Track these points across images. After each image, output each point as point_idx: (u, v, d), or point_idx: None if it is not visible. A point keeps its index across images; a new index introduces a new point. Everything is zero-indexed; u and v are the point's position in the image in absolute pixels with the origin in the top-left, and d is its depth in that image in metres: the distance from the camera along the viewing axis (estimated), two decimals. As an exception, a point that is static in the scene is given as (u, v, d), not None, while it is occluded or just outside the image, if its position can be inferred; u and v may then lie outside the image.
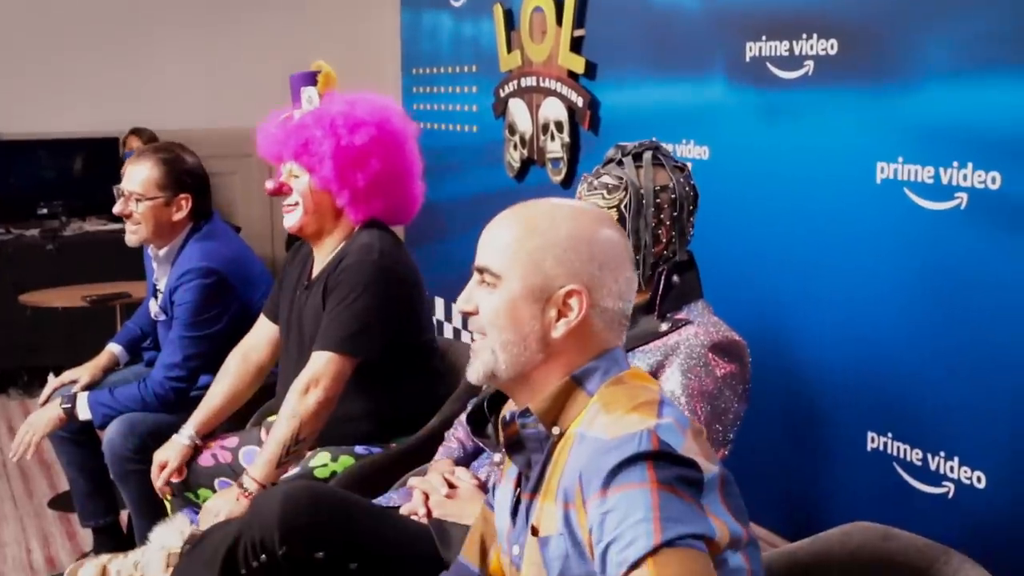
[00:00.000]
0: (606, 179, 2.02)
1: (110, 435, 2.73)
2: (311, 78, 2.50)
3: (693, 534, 1.23)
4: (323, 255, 2.53)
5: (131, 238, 2.91)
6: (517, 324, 1.42)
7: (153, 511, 2.65)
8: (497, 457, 1.95)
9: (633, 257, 1.48)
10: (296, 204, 2.46)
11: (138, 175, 2.87)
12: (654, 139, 2.14)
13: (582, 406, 1.40)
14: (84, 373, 3.03)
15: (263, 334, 2.70)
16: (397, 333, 2.45)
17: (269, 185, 2.50)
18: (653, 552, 1.20)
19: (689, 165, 2.11)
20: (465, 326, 5.07)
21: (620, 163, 2.03)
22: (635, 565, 1.21)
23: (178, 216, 2.89)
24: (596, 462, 1.29)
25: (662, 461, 1.26)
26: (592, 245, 1.42)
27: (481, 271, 1.46)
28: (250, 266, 3.00)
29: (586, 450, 1.33)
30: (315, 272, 2.54)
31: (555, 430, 1.41)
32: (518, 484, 1.49)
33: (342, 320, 2.37)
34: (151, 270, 3.08)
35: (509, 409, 1.48)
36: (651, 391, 1.40)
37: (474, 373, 1.46)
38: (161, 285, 2.97)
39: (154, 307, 3.01)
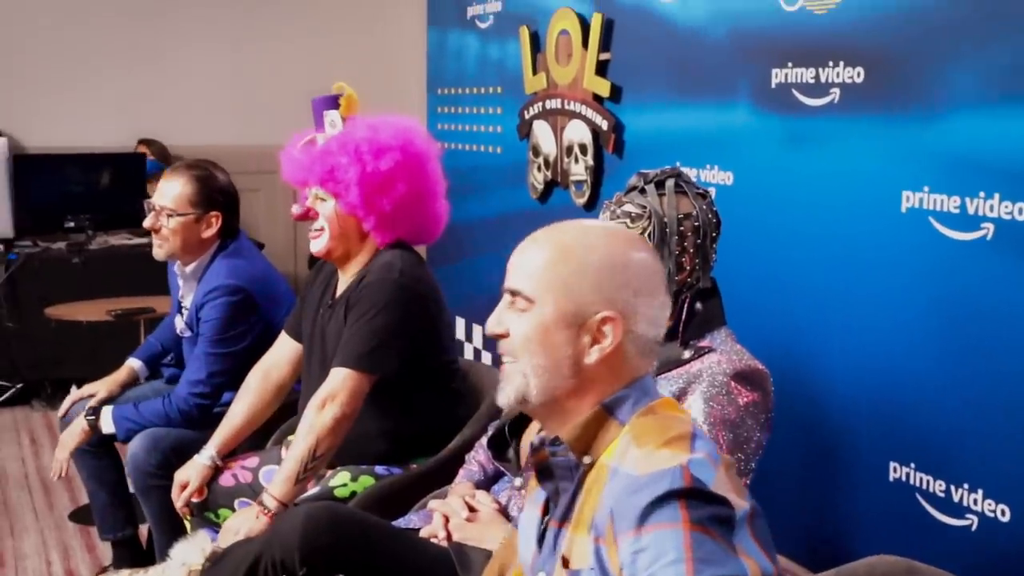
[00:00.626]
0: (629, 207, 2.02)
1: (133, 450, 2.75)
2: (333, 101, 2.51)
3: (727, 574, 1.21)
4: (348, 275, 2.54)
5: (158, 252, 2.94)
6: (550, 349, 1.40)
7: (174, 527, 2.66)
8: (518, 481, 1.95)
9: (666, 281, 1.46)
10: (322, 229, 2.47)
11: (171, 190, 2.90)
12: (677, 165, 2.14)
13: (613, 436, 1.38)
14: (102, 387, 3.05)
15: (284, 352, 2.71)
16: (416, 352, 2.45)
17: (295, 210, 2.52)
18: None
19: (712, 191, 2.11)
20: (487, 347, 5.07)
21: (643, 191, 2.04)
22: None
23: (207, 233, 2.92)
24: (628, 499, 1.27)
25: (695, 500, 1.24)
26: (627, 270, 1.40)
27: (513, 294, 1.43)
28: (275, 285, 3.02)
29: (618, 485, 1.31)
30: (339, 291, 2.55)
31: (586, 459, 1.39)
32: (545, 511, 1.47)
33: (360, 337, 2.37)
34: (176, 286, 3.10)
35: (538, 435, 1.46)
36: (683, 423, 1.38)
37: (504, 397, 1.44)
38: (187, 302, 2.99)
39: (180, 323, 3.03)
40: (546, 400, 1.42)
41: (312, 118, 2.57)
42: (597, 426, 1.39)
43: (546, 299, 1.40)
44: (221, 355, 2.85)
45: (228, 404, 2.75)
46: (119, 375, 3.11)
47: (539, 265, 1.42)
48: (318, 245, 2.49)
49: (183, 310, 3.03)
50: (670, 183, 2.03)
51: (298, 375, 2.70)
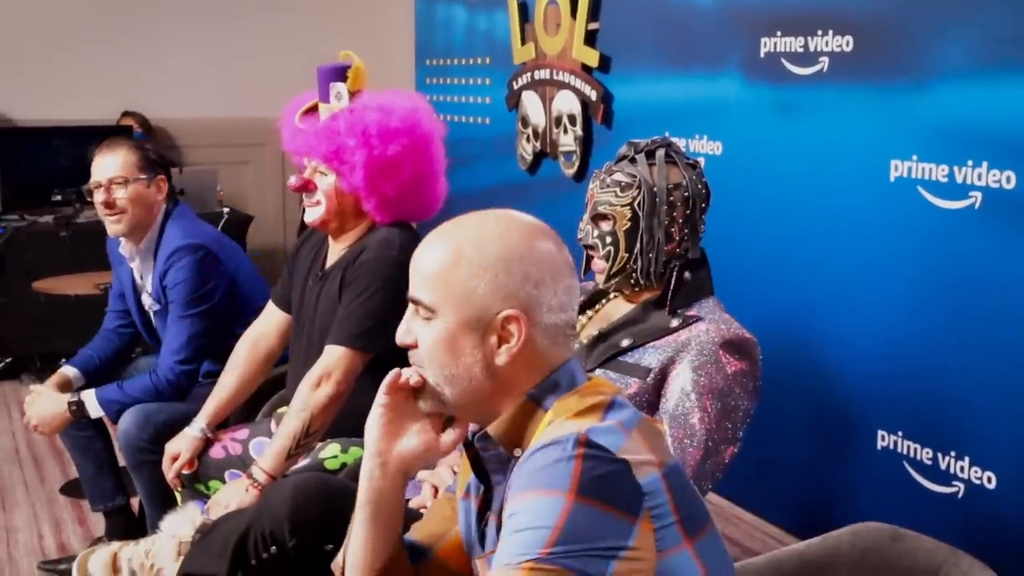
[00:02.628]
0: (619, 176, 2.02)
1: (125, 425, 2.74)
2: (341, 73, 2.45)
3: (586, 551, 1.19)
4: (340, 246, 2.52)
5: (116, 227, 2.90)
6: (458, 356, 1.36)
7: (165, 500, 2.66)
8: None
9: (570, 262, 1.39)
10: (319, 202, 2.45)
11: (116, 161, 2.90)
12: (667, 135, 2.14)
13: (538, 424, 1.35)
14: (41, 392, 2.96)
15: (272, 321, 2.70)
16: None
17: (293, 181, 2.49)
18: (533, 558, 1.18)
19: (701, 162, 2.10)
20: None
21: (633, 160, 2.03)
22: (508, 563, 1.19)
23: (159, 198, 2.93)
24: (523, 466, 1.26)
25: (587, 468, 1.21)
26: (524, 263, 1.35)
27: (415, 303, 1.39)
28: (230, 245, 3.04)
29: (522, 459, 1.29)
30: (329, 262, 2.54)
31: (516, 452, 1.36)
32: (483, 505, 1.44)
33: (357, 315, 2.37)
34: (126, 274, 3.07)
35: (470, 432, 1.43)
36: (602, 394, 1.35)
37: (425, 406, 1.41)
38: (147, 280, 2.98)
39: (147, 300, 3.01)
40: (465, 404, 1.39)
41: (307, 86, 2.53)
42: (525, 418, 1.36)
43: (446, 307, 1.36)
44: (196, 315, 2.85)
45: (209, 376, 2.74)
46: (52, 382, 3.01)
47: (435, 271, 1.37)
48: (313, 215, 2.47)
49: (139, 290, 3.02)
50: (660, 153, 2.03)
51: (286, 344, 2.69)
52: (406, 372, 1.42)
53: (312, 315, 2.52)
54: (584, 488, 1.20)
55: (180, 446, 2.54)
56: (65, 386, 2.98)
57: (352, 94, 2.44)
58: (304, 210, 2.50)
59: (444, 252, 1.37)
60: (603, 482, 1.22)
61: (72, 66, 5.92)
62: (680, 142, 3.54)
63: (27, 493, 3.74)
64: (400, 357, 2.46)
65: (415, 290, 1.39)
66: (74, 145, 5.55)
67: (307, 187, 2.46)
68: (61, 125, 5.66)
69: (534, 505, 1.21)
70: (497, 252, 1.35)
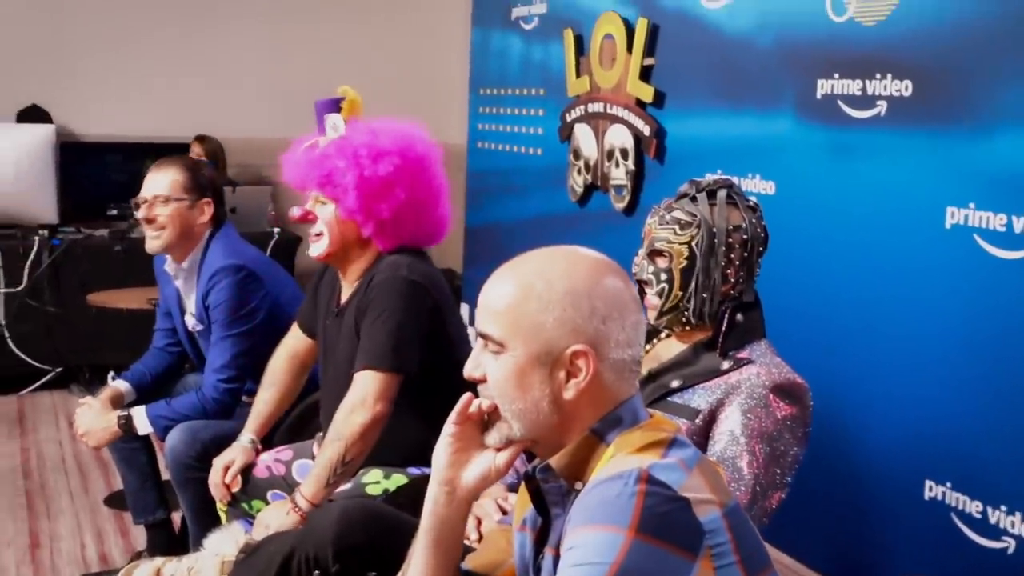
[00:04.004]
0: (679, 214, 2.01)
1: (172, 442, 2.77)
2: (335, 105, 2.49)
3: None
4: (350, 281, 2.53)
5: (153, 244, 2.94)
6: (527, 391, 1.37)
7: (209, 519, 2.67)
8: None
9: (637, 298, 1.41)
10: (321, 234, 2.46)
11: (163, 179, 2.93)
12: (720, 173, 2.13)
13: (600, 458, 1.35)
14: (94, 406, 2.98)
15: (299, 341, 2.73)
16: (431, 347, 2.44)
17: (295, 212, 2.52)
18: None
19: (760, 205, 2.09)
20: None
21: (694, 199, 2.02)
22: None
23: (201, 220, 2.95)
24: (584, 499, 1.26)
25: (648, 506, 1.21)
26: (592, 299, 1.36)
27: (484, 337, 1.40)
28: (271, 265, 3.08)
29: (583, 492, 1.30)
30: (343, 298, 2.54)
31: (578, 486, 1.36)
32: (539, 538, 1.44)
33: (379, 338, 2.36)
34: (169, 291, 3.10)
35: (530, 464, 1.44)
36: (664, 431, 1.36)
37: (491, 440, 1.42)
38: (190, 300, 3.01)
39: (190, 321, 3.04)
40: (532, 438, 1.40)
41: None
42: (587, 452, 1.36)
43: (515, 342, 1.36)
44: (238, 335, 2.87)
45: (253, 394, 2.77)
46: (103, 396, 3.03)
47: (503, 307, 1.38)
48: (317, 249, 2.48)
49: (184, 311, 3.05)
50: (722, 193, 2.02)
51: (316, 355, 2.71)
52: (476, 401, 1.43)
53: (335, 351, 2.53)
54: (644, 525, 1.20)
55: (233, 455, 2.56)
56: (116, 401, 3.01)
57: (347, 124, 2.47)
58: (310, 244, 2.52)
59: (513, 287, 1.39)
60: (664, 520, 1.22)
61: (133, 84, 6.04)
62: (733, 181, 3.54)
63: (71, 502, 3.78)
64: (428, 378, 2.47)
65: (483, 325, 1.40)
66: (132, 161, 5.65)
67: (307, 218, 2.47)
68: (120, 141, 5.76)
69: (593, 540, 1.21)
70: (565, 287, 1.36)
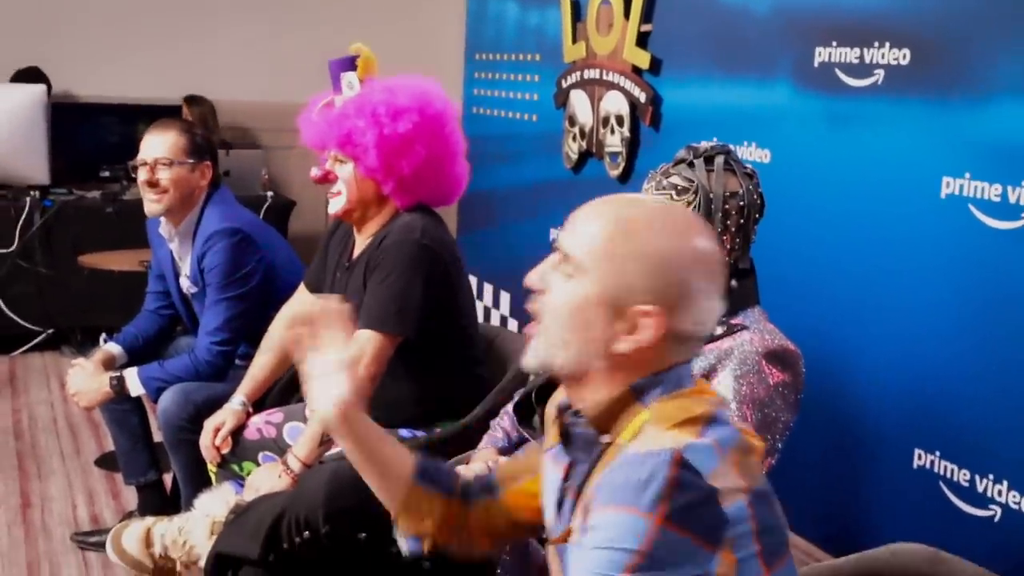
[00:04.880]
0: (676, 180, 1.99)
1: (164, 404, 2.77)
2: (350, 63, 2.47)
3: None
4: (364, 236, 2.53)
5: (153, 207, 2.91)
6: (582, 325, 1.33)
7: (200, 480, 2.67)
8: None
9: (721, 282, 1.37)
10: (340, 192, 2.46)
11: (164, 142, 2.90)
12: (715, 141, 2.11)
13: (635, 418, 1.32)
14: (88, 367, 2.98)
15: (303, 303, 2.72)
16: (436, 313, 2.44)
17: (314, 173, 2.51)
18: None
19: (756, 172, 2.07)
20: (514, 314, 5.07)
21: (691, 165, 2.01)
22: None
23: (201, 183, 2.94)
24: (612, 474, 1.24)
25: (677, 492, 1.19)
26: (683, 270, 1.31)
27: (565, 256, 1.36)
28: (266, 229, 3.06)
29: (617, 461, 1.27)
30: (356, 253, 2.54)
31: (604, 438, 1.34)
32: (566, 476, 1.43)
33: (383, 299, 2.37)
34: (165, 255, 3.09)
35: (563, 397, 1.43)
36: (706, 403, 1.32)
37: (529, 362, 1.39)
38: (185, 263, 3.00)
39: (185, 283, 3.03)
40: (571, 374, 1.37)
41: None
42: (621, 407, 1.33)
43: (594, 273, 1.32)
44: (232, 298, 2.86)
45: (249, 358, 2.76)
46: (95, 359, 3.02)
47: (598, 236, 1.34)
48: (336, 206, 2.48)
49: (179, 273, 3.04)
50: (719, 160, 2.00)
51: None
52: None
53: None
54: (673, 514, 1.18)
55: (224, 417, 2.57)
56: (108, 363, 3.01)
57: (363, 83, 2.45)
58: (328, 202, 2.51)
59: (616, 222, 1.34)
60: (691, 510, 1.20)
61: (128, 45, 6.00)
62: (728, 148, 3.53)
63: (63, 463, 3.78)
64: (426, 344, 2.47)
65: (569, 245, 1.36)
66: (124, 123, 5.62)
67: (327, 178, 2.47)
68: (114, 103, 5.72)
69: (618, 522, 1.20)
70: (665, 245, 1.32)
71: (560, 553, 1.35)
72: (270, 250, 2.98)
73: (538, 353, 1.38)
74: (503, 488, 1.61)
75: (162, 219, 2.98)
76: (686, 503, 1.19)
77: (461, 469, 2.11)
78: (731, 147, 2.06)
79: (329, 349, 1.56)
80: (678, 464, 1.20)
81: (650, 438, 1.26)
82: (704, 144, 2.05)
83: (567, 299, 1.34)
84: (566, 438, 1.41)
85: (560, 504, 1.43)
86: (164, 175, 2.88)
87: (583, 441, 1.38)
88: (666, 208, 1.39)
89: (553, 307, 1.36)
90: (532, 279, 1.39)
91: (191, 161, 2.91)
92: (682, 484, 1.19)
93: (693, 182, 1.98)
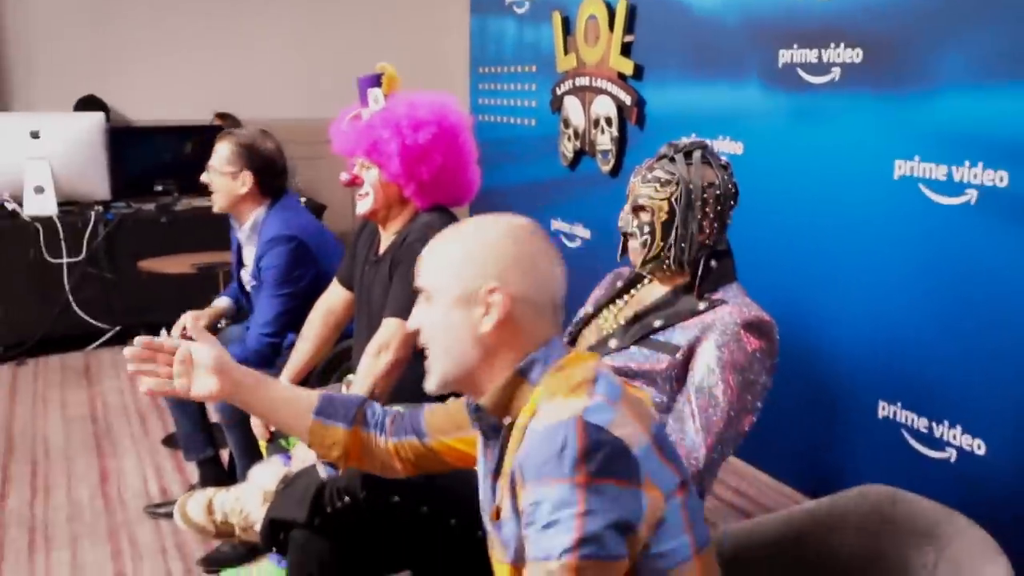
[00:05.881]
0: (659, 173, 2.00)
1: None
2: (376, 80, 2.49)
3: (614, 523, 1.20)
4: (389, 234, 2.54)
5: (214, 206, 3.00)
6: (451, 330, 1.39)
7: (252, 454, 2.70)
8: None
9: (555, 255, 1.43)
10: (367, 194, 2.47)
11: (217, 152, 2.97)
12: (694, 136, 2.11)
13: (528, 396, 1.36)
14: (204, 316, 3.10)
15: (338, 296, 2.74)
16: None
17: (344, 177, 2.51)
18: (569, 550, 1.18)
19: (731, 164, 2.07)
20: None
21: (672, 160, 2.01)
22: (548, 558, 1.19)
23: (242, 190, 2.94)
24: (530, 453, 1.25)
25: (590, 451, 1.21)
26: (504, 247, 1.40)
27: (420, 292, 1.45)
28: (323, 235, 3.06)
29: (526, 440, 1.29)
30: (382, 249, 2.55)
31: (505, 420, 1.38)
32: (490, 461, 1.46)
33: (407, 290, 2.38)
34: (236, 247, 3.13)
35: (468, 401, 1.47)
36: (587, 369, 1.35)
37: (430, 384, 1.44)
38: (248, 257, 3.02)
39: (245, 276, 3.06)
40: (461, 375, 1.41)
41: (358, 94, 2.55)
42: (512, 389, 1.37)
43: (441, 288, 1.41)
44: (283, 296, 2.88)
45: (291, 345, 2.78)
46: (212, 309, 3.15)
47: (434, 260, 1.44)
48: (364, 207, 2.49)
49: (244, 266, 3.07)
50: (697, 154, 2.00)
51: (351, 315, 2.72)
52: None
53: (368, 296, 2.54)
54: (592, 469, 1.20)
55: None
56: (218, 315, 3.12)
57: (387, 97, 2.46)
58: (356, 203, 2.52)
59: (445, 242, 1.45)
60: (608, 461, 1.22)
61: (174, 72, 6.03)
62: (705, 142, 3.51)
63: (133, 444, 3.80)
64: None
65: (420, 280, 1.45)
66: (173, 142, 5.62)
67: (355, 182, 2.48)
68: (161, 125, 5.73)
69: (553, 495, 1.21)
70: (482, 239, 1.41)
71: (496, 528, 1.38)
72: (324, 256, 2.97)
73: (433, 374, 1.43)
74: (431, 436, 1.66)
75: (231, 216, 3.03)
76: (602, 457, 1.21)
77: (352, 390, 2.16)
78: (708, 142, 2.06)
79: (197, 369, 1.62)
80: (583, 426, 1.22)
81: (550, 411, 1.28)
82: (683, 140, 2.05)
83: (432, 318, 1.42)
84: (482, 431, 1.45)
85: (492, 489, 1.45)
86: (213, 179, 2.96)
87: (491, 429, 1.42)
88: (476, 219, 1.47)
89: (427, 331, 1.43)
90: (412, 326, 1.46)
91: (231, 170, 2.93)
92: (592, 442, 1.22)
93: (674, 175, 1.98)
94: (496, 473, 1.40)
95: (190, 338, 1.66)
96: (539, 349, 1.38)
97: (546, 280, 1.40)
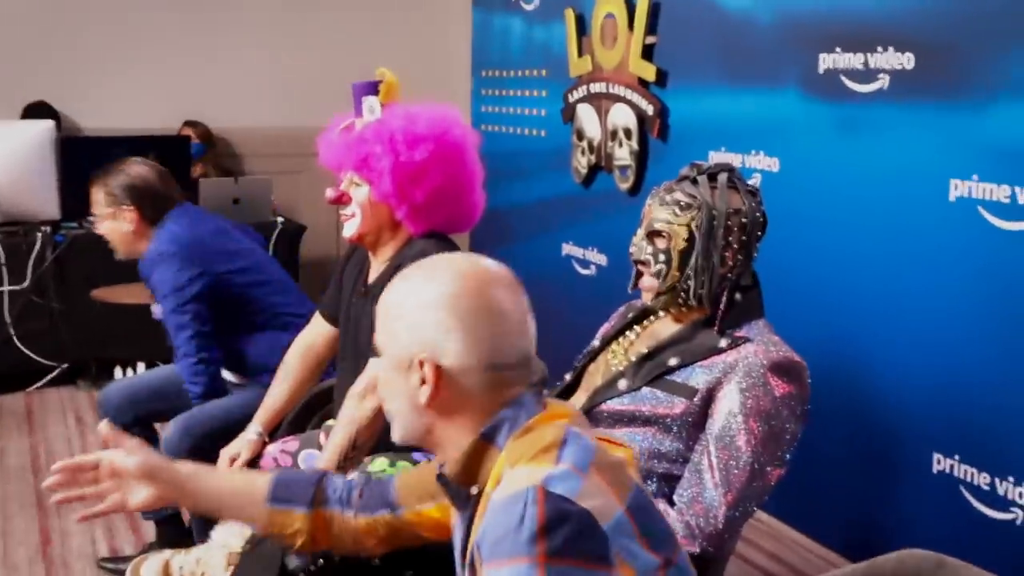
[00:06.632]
0: (679, 196, 2.05)
1: (167, 433, 2.87)
2: (373, 87, 2.52)
3: None
4: (379, 262, 2.57)
5: (117, 254, 3.25)
6: (394, 393, 1.44)
7: None
8: None
9: (514, 304, 1.42)
10: (354, 215, 2.51)
11: (93, 202, 3.19)
12: (723, 152, 2.15)
13: (495, 463, 1.37)
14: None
15: (320, 331, 2.78)
16: None
17: (330, 193, 2.56)
18: None
19: (757, 179, 2.12)
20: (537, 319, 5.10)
21: (694, 181, 2.06)
22: None
23: (128, 227, 3.15)
24: (486, 528, 1.27)
25: (552, 526, 1.21)
26: (446, 307, 1.39)
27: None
28: (217, 238, 3.21)
29: (487, 512, 1.30)
30: (371, 278, 2.59)
31: (472, 490, 1.40)
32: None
33: None
34: None
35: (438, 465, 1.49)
36: (556, 429, 1.35)
37: (394, 437, 1.49)
38: None
39: (156, 309, 3.27)
40: (417, 438, 1.46)
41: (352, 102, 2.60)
42: (478, 456, 1.39)
43: (384, 348, 1.45)
44: (180, 307, 3.03)
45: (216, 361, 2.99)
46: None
47: (380, 313, 1.47)
48: (350, 229, 2.53)
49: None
50: (723, 177, 2.05)
51: (334, 353, 2.76)
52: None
53: (355, 332, 2.57)
54: (553, 548, 1.21)
55: (239, 447, 2.63)
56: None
57: (384, 107, 2.50)
58: (342, 225, 2.56)
59: (388, 295, 1.47)
60: (572, 539, 1.22)
61: (134, 75, 6.09)
62: (736, 158, 3.58)
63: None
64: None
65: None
66: (135, 153, 5.60)
67: (342, 199, 2.51)
68: (120, 135, 5.80)
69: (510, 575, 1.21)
70: (420, 297, 1.42)
71: None
72: (216, 257, 3.13)
73: (394, 430, 1.48)
74: (404, 507, 1.69)
75: None
76: (566, 532, 1.22)
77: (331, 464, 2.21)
78: (735, 166, 2.11)
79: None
80: (544, 496, 1.23)
81: (510, 480, 1.30)
82: (708, 162, 2.10)
83: (381, 378, 1.48)
84: (451, 501, 1.48)
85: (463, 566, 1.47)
86: (101, 229, 3.18)
87: (460, 498, 1.44)
88: (429, 262, 1.47)
89: (380, 387, 1.50)
90: (370, 376, 1.58)
91: (110, 210, 3.14)
92: (554, 516, 1.22)
93: (696, 198, 2.03)
94: (464, 550, 1.41)
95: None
96: (505, 409, 1.39)
97: (504, 338, 1.40)
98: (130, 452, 1.70)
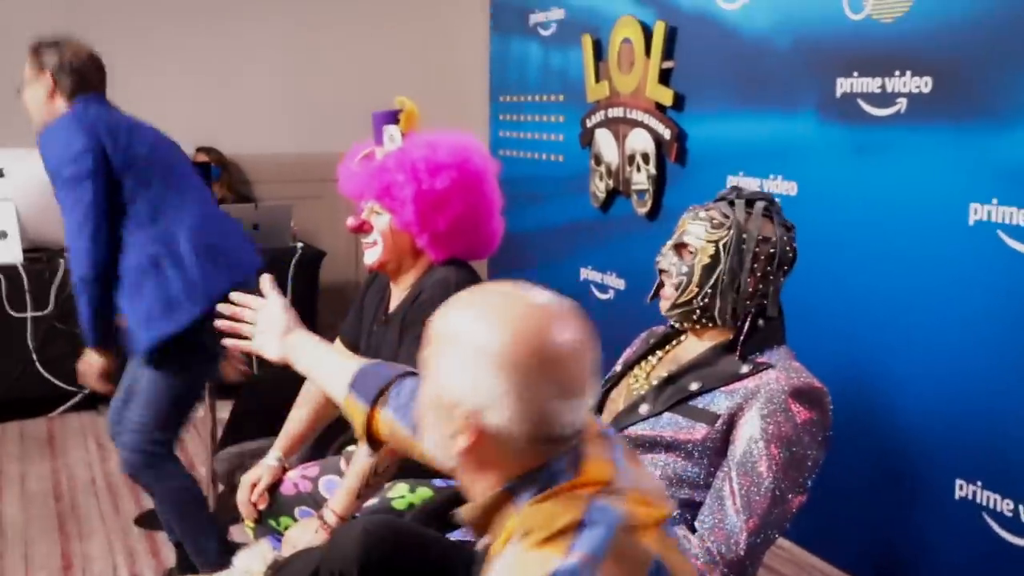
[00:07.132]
0: (714, 214, 2.07)
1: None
2: (393, 116, 2.55)
3: None
4: (400, 290, 2.59)
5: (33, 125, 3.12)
6: (430, 427, 1.35)
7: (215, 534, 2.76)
8: None
9: (572, 367, 1.28)
10: (375, 242, 2.53)
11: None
12: (741, 175, 2.16)
13: (509, 522, 1.29)
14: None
15: None
16: None
17: (351, 222, 2.57)
18: None
19: (795, 227, 2.12)
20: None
21: (731, 203, 2.08)
22: None
23: (42, 93, 3.08)
24: None
25: None
26: (507, 363, 1.25)
27: None
28: (138, 128, 3.19)
29: None
30: (392, 306, 2.60)
31: (484, 541, 1.33)
32: None
33: (417, 355, 2.42)
34: None
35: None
36: (578, 506, 1.24)
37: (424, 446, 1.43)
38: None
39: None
40: (442, 467, 1.38)
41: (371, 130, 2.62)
42: (496, 507, 1.30)
43: (428, 372, 1.34)
44: (67, 181, 2.97)
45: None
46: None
47: (432, 336, 1.35)
48: (371, 257, 2.55)
49: None
50: (760, 205, 2.08)
51: None
52: None
53: (378, 357, 2.58)
54: None
55: (259, 473, 2.63)
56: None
57: (405, 136, 2.52)
58: (363, 253, 2.58)
59: (444, 321, 1.34)
60: None
61: (148, 101, 6.10)
62: (754, 182, 3.58)
63: (102, 523, 3.85)
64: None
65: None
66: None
67: (363, 228, 2.53)
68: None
69: None
70: (477, 340, 1.28)
71: None
72: (116, 138, 3.04)
73: (426, 445, 1.40)
74: None
75: None
76: None
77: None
78: (776, 199, 2.13)
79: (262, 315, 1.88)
80: None
81: (517, 561, 1.21)
82: (750, 190, 2.12)
83: (422, 399, 1.38)
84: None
85: None
86: (24, 94, 3.10)
87: (471, 541, 1.41)
88: (500, 300, 1.32)
89: (419, 408, 1.42)
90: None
91: (31, 73, 3.08)
92: None
93: (729, 218, 2.05)
94: None
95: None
96: (537, 471, 1.28)
97: (558, 410, 1.27)
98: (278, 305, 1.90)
